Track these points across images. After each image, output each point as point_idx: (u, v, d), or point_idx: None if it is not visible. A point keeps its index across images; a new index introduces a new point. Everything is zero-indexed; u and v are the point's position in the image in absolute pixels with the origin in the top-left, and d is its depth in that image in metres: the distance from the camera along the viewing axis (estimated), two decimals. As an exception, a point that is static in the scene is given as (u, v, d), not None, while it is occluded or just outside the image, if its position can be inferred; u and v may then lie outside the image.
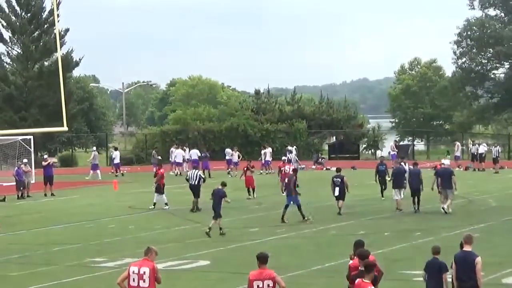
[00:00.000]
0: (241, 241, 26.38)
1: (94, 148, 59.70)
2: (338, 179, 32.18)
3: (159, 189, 35.52)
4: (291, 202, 30.38)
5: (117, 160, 55.72)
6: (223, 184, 28.84)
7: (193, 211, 34.09)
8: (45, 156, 47.68)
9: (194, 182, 34.60)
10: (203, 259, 23.17)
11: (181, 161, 54.90)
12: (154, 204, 35.62)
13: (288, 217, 30.19)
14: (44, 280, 20.93)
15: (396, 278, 19.10)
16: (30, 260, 23.83)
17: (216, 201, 28.10)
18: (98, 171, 52.87)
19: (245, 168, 40.36)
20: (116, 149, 58.67)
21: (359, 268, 13.24)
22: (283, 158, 43.95)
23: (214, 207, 28.06)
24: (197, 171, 35.53)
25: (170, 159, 55.73)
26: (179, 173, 54.06)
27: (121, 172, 55.22)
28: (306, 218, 30.22)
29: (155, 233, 28.69)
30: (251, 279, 13.20)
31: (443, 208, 31.35)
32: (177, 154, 54.90)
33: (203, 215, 33.05)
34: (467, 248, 14.63)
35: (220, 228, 27.80)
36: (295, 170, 33.01)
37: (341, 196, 32.00)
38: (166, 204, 35.51)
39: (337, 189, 31.97)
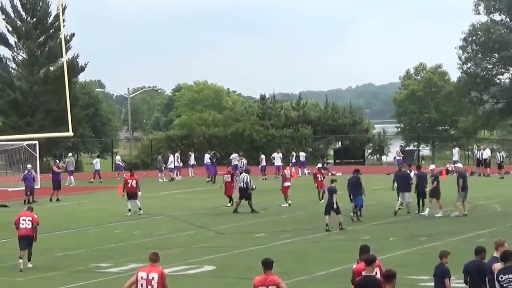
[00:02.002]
0: (246, 246, 26.34)
1: (70, 154, 60.23)
2: None
3: (129, 196, 35.84)
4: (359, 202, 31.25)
5: (97, 167, 56.31)
6: (333, 181, 29.78)
7: (236, 212, 35.15)
8: (57, 161, 47.74)
9: (243, 185, 35.42)
10: (208, 264, 23.16)
11: (173, 167, 55.59)
12: (140, 209, 35.82)
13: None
14: (49, 285, 20.96)
15: (402, 284, 18.93)
16: (35, 266, 23.82)
17: (329, 198, 29.06)
18: (72, 177, 53.16)
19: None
20: (98, 156, 60.36)
21: (363, 273, 13.21)
22: (318, 165, 43.25)
23: (328, 205, 29.04)
24: (246, 175, 35.96)
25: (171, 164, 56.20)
26: (177, 177, 54.65)
27: (99, 179, 55.38)
28: (359, 218, 31.20)
29: (160, 238, 28.68)
30: (255, 284, 13.19)
31: (465, 214, 31.67)
32: (172, 160, 55.81)
33: (208, 220, 33.10)
34: (495, 253, 14.65)
35: (340, 223, 28.96)
36: (357, 170, 32.88)
37: None
38: (129, 210, 35.65)
39: None
